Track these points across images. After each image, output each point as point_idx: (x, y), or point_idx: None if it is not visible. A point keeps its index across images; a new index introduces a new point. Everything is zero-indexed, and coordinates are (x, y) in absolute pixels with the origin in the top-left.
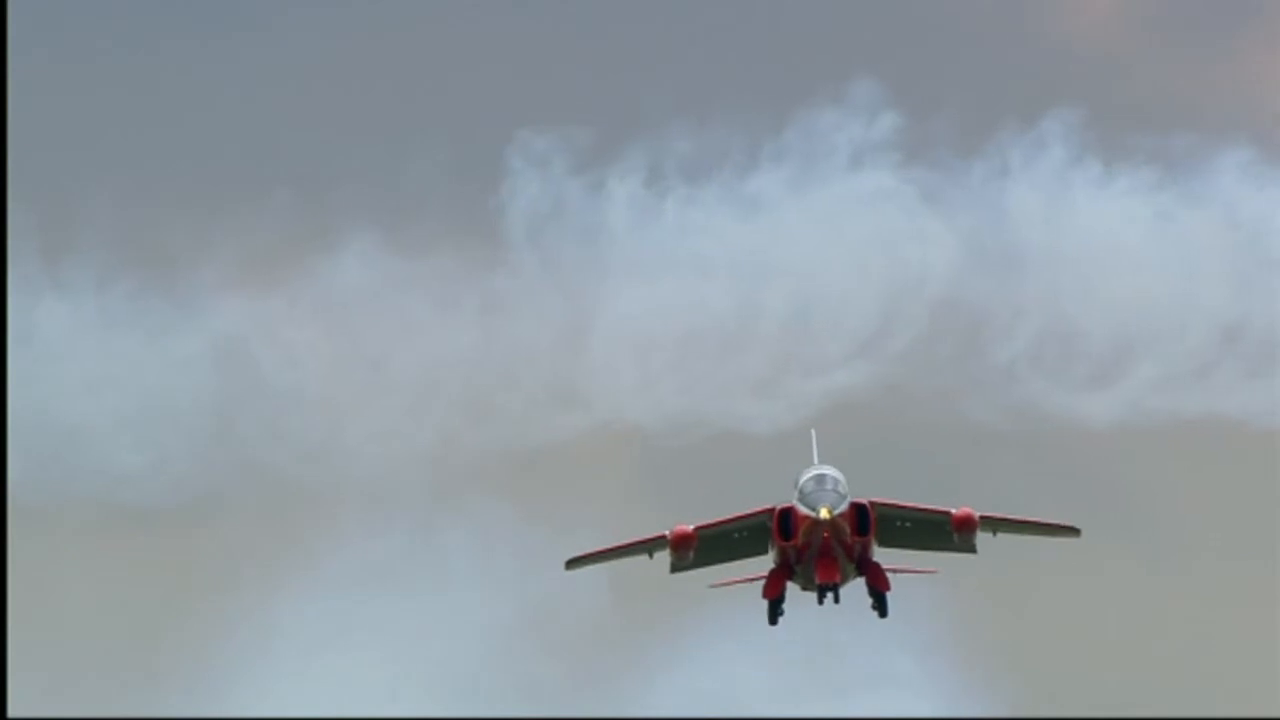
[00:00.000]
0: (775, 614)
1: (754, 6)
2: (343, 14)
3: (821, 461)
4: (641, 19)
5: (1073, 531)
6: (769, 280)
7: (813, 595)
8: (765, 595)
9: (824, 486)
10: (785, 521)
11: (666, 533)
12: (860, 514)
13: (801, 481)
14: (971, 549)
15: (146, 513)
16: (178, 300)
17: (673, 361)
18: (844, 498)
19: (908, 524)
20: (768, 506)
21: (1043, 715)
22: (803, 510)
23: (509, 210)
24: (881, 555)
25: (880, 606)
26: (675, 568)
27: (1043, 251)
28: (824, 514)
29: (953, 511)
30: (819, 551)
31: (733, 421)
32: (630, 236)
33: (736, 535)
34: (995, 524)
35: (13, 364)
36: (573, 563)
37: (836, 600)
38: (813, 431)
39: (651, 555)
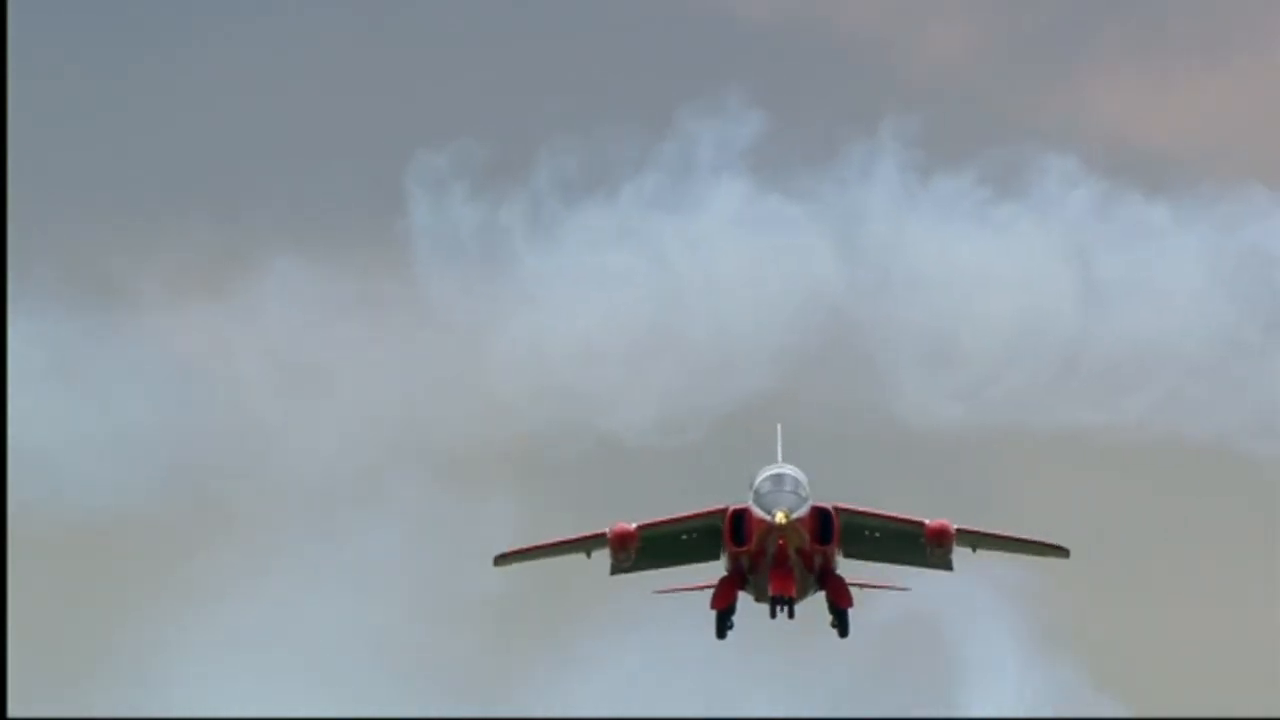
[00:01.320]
0: (723, 626)
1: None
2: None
3: (786, 460)
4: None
5: (1061, 552)
6: (652, 293)
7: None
8: (713, 605)
9: (782, 487)
10: (738, 525)
11: (606, 530)
12: (822, 520)
13: (758, 481)
14: (947, 565)
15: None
16: (109, 320)
17: (569, 373)
18: (804, 501)
19: (877, 534)
20: (720, 506)
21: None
22: (757, 513)
23: (412, 230)
24: (847, 568)
25: (840, 625)
26: (616, 569)
27: (890, 266)
28: (780, 518)
29: (927, 522)
30: (774, 560)
31: (623, 431)
32: (522, 252)
33: (685, 537)
34: (975, 539)
35: None
36: (501, 559)
37: (790, 615)
38: (778, 426)
39: (590, 555)
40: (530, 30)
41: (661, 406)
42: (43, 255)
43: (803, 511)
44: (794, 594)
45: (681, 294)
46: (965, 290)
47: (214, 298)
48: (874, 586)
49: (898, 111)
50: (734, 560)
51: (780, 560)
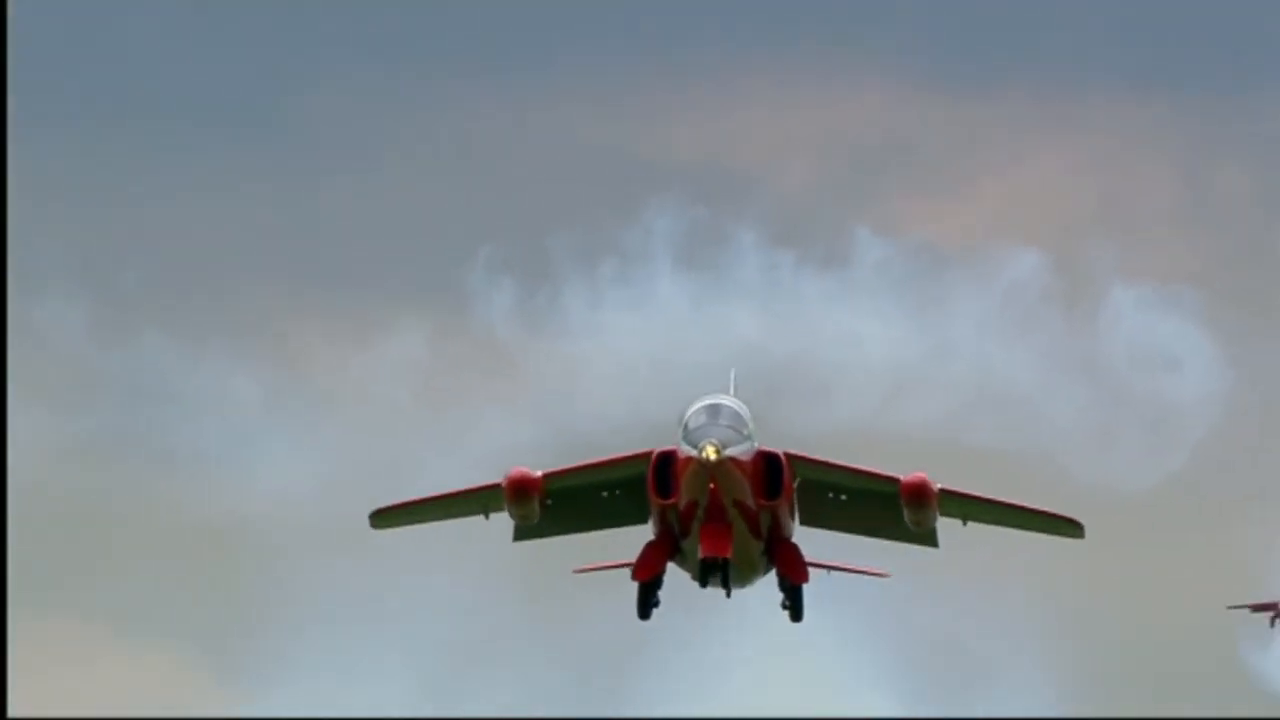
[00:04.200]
0: (646, 603)
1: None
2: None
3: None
4: None
5: (1074, 529)
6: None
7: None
8: (635, 577)
9: (717, 419)
10: (664, 470)
11: (501, 480)
12: (769, 467)
13: (688, 414)
14: (931, 539)
15: None
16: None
17: None
18: (746, 440)
19: (842, 495)
20: (644, 450)
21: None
22: (685, 451)
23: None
24: (809, 543)
25: (793, 606)
26: (520, 533)
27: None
28: (710, 454)
29: (902, 478)
30: (706, 512)
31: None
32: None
33: (606, 494)
34: (966, 507)
35: None
36: (379, 517)
37: (725, 586)
38: (732, 371)
39: (488, 515)
40: None
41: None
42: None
43: (742, 451)
44: (729, 554)
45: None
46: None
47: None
48: (843, 569)
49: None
50: (661, 518)
51: (714, 513)
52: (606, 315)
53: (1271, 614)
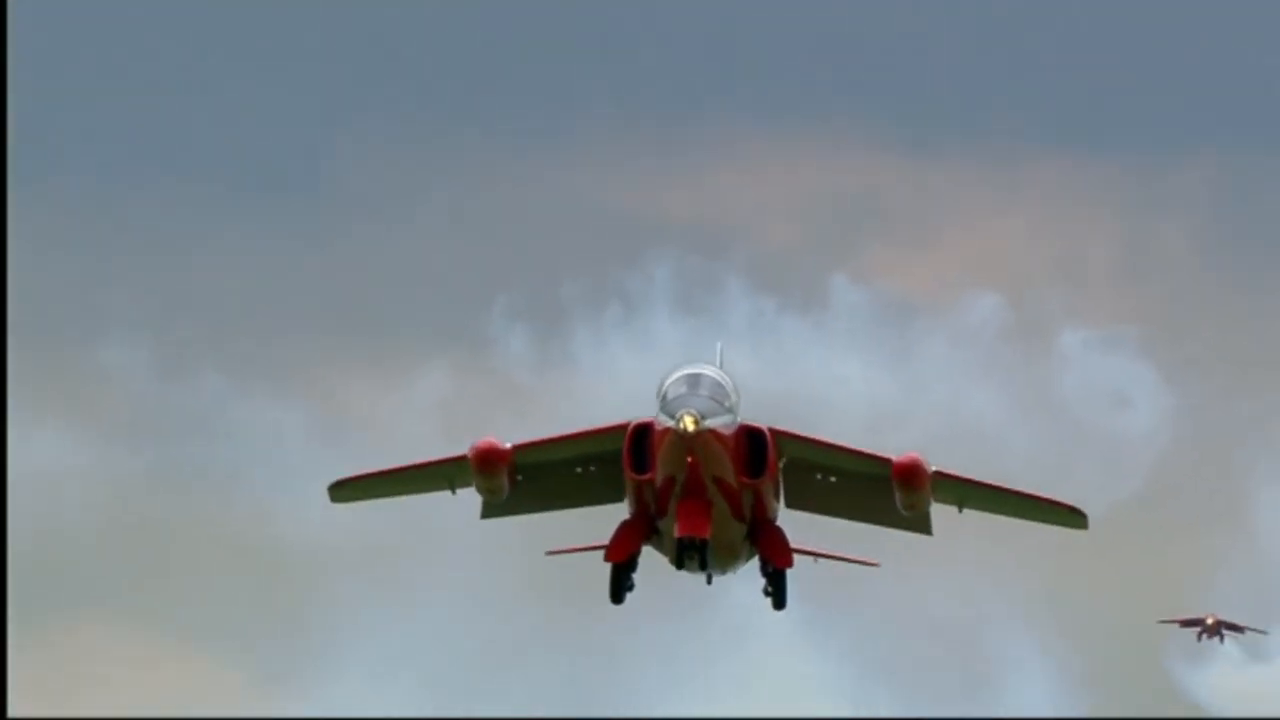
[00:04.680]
0: (620, 587)
1: None
2: None
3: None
4: None
5: (1077, 517)
6: None
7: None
8: (608, 558)
9: (697, 389)
10: (640, 444)
11: (467, 450)
12: (753, 443)
13: (667, 383)
14: (925, 527)
15: None
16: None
17: None
18: (728, 412)
19: (831, 477)
20: (620, 423)
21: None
22: (663, 422)
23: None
24: (795, 527)
25: (776, 592)
26: (488, 509)
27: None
28: (688, 424)
29: (894, 458)
30: (684, 489)
31: None
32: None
33: (579, 469)
34: (962, 492)
35: None
36: (339, 490)
37: (704, 569)
38: (718, 344)
39: (455, 490)
40: None
41: None
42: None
43: (724, 424)
44: (707, 534)
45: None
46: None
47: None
48: (831, 557)
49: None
50: (636, 495)
51: (692, 490)
52: (611, 354)
53: (1198, 629)
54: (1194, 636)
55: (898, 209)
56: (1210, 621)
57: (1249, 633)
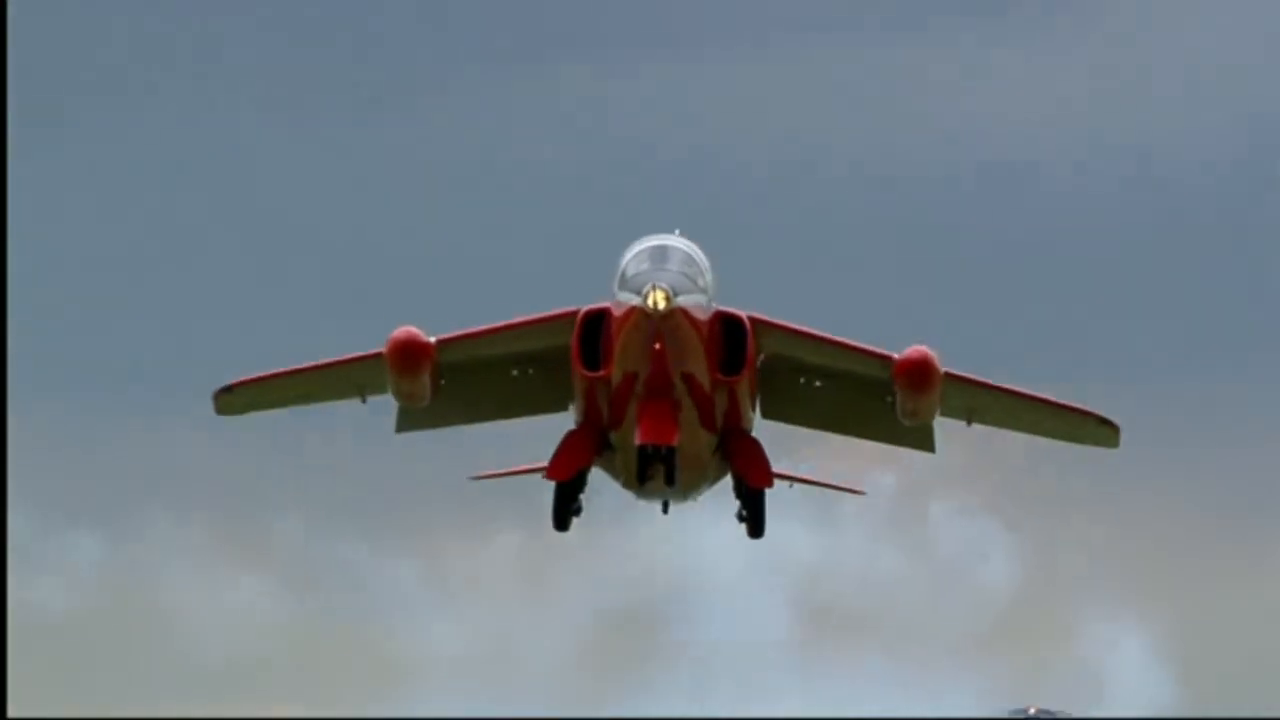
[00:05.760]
0: (565, 511)
1: None
2: None
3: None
4: None
5: (1109, 431)
6: None
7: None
8: (550, 475)
9: (664, 264)
10: (591, 334)
11: (382, 346)
12: (730, 332)
13: (627, 259)
14: (927, 443)
15: None
16: None
17: None
18: (702, 293)
19: (817, 382)
20: (568, 309)
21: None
22: (623, 303)
23: None
24: (773, 440)
25: (753, 517)
26: (405, 420)
27: None
28: (657, 300)
29: (896, 356)
30: (646, 387)
31: None
32: None
33: (516, 371)
34: (974, 400)
35: None
36: (225, 398)
37: (670, 483)
38: (676, 231)
39: (365, 398)
40: None
41: None
42: None
43: (697, 304)
44: (674, 441)
45: None
46: None
47: None
48: (808, 482)
49: None
50: (587, 398)
51: (657, 388)
52: None
53: None
54: None
55: None
56: (1032, 711)
57: None
